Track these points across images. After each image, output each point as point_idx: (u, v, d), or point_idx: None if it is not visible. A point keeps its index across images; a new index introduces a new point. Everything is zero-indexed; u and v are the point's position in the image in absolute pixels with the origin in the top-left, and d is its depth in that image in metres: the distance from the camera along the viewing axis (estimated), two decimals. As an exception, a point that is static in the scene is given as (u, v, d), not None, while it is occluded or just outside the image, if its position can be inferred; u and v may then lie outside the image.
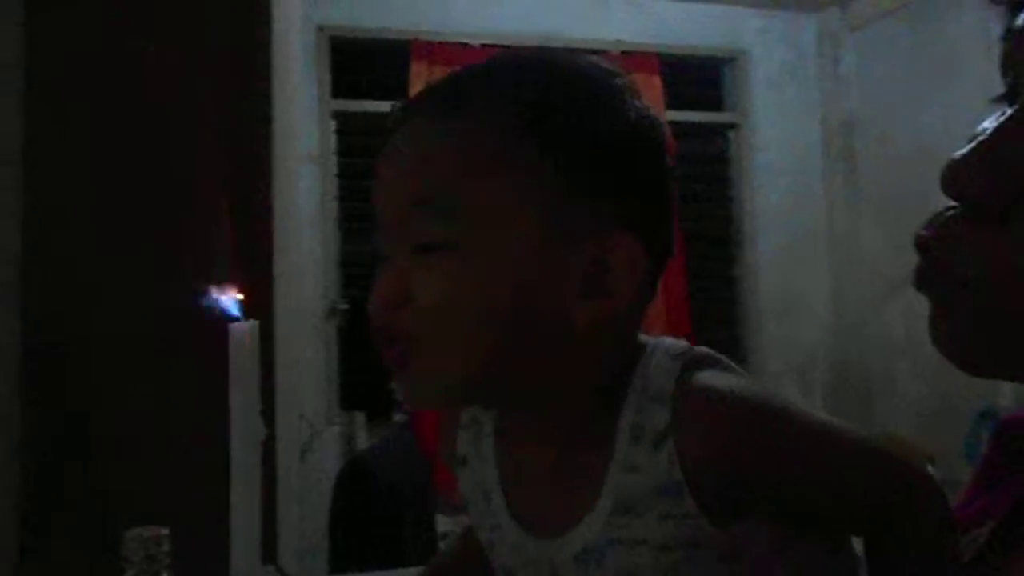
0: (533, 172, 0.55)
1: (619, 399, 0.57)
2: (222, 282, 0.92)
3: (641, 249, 0.56)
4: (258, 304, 1.60)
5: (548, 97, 0.57)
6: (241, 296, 0.72)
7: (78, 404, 1.31)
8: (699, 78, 4.07)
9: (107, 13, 1.30)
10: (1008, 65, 0.47)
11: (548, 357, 0.56)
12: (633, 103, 0.60)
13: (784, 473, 0.55)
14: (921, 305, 0.53)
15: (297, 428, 2.18)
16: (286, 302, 2.01)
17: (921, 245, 0.47)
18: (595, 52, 3.83)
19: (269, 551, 1.51)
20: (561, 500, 0.58)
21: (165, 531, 0.74)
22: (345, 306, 3.54)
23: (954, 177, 0.44)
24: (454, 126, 0.57)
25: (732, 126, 4.05)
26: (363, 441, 3.36)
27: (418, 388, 0.57)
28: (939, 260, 0.46)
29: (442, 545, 3.00)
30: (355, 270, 3.58)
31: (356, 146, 3.58)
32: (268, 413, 1.59)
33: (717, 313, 4.00)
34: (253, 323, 0.72)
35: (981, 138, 0.44)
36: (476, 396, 0.60)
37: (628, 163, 0.58)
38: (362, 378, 3.55)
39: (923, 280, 0.48)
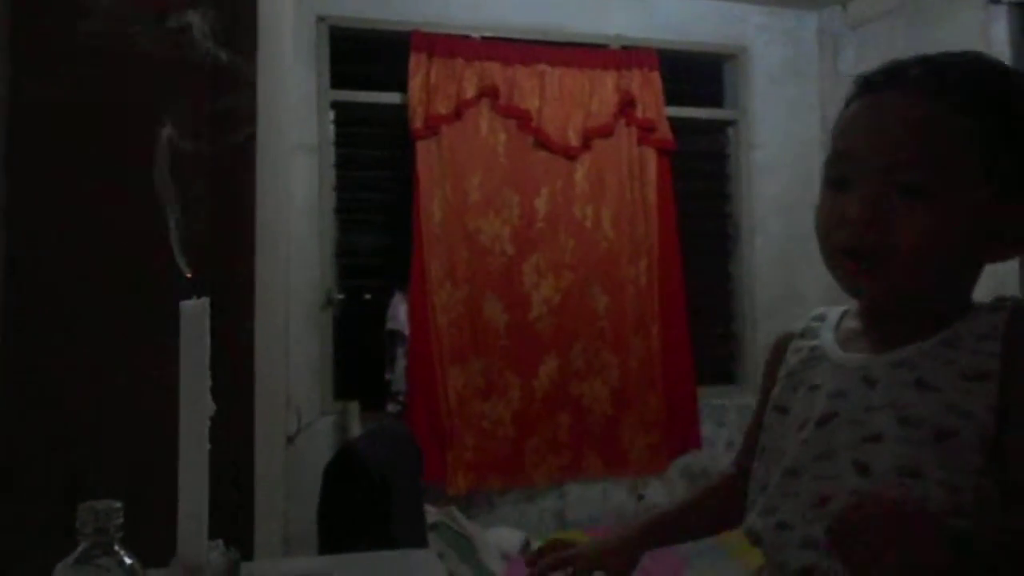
0: (993, 156, 0.79)
1: (966, 306, 0.84)
2: (199, 267, 0.92)
3: None
4: (239, 292, 1.62)
5: (1012, 102, 0.81)
6: (190, 275, 0.73)
7: (49, 385, 1.33)
8: (699, 74, 4.07)
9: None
10: None
11: (956, 280, 0.84)
12: None
13: None
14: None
15: (284, 415, 2.19)
16: (276, 291, 2.02)
17: None
18: (595, 47, 3.84)
19: (244, 532, 1.53)
20: (889, 341, 0.84)
21: (117, 504, 0.75)
22: (341, 296, 3.55)
23: None
24: (943, 107, 0.79)
25: (732, 123, 4.05)
26: (356, 430, 3.38)
27: (881, 287, 0.82)
28: None
29: (431, 535, 3.02)
30: (352, 260, 3.59)
31: (354, 136, 3.60)
32: (247, 399, 1.61)
33: (715, 308, 4.00)
34: (203, 300, 0.73)
35: None
36: (911, 296, 0.83)
37: None
38: (357, 368, 3.57)
39: None
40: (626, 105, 3.70)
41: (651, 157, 3.75)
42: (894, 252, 0.79)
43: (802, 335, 0.95)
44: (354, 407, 3.44)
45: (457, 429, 3.46)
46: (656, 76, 3.76)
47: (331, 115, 3.54)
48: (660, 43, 3.82)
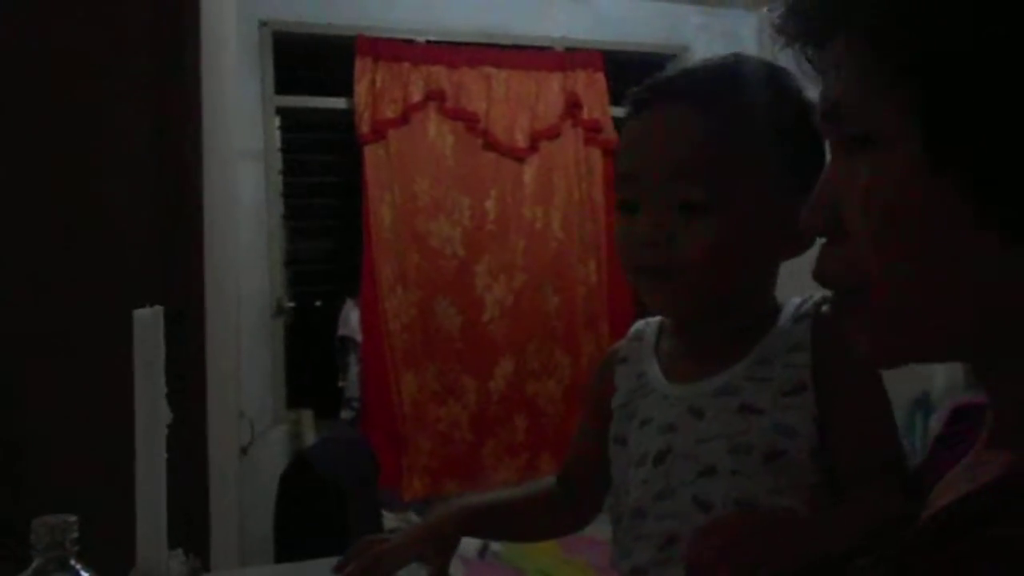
0: (765, 158, 0.81)
1: (773, 313, 0.85)
2: (146, 275, 0.91)
3: None
4: (189, 302, 1.59)
5: (778, 104, 0.81)
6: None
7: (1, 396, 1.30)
8: (643, 74, 4.10)
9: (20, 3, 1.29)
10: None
11: (754, 278, 0.86)
12: (808, 101, 0.81)
13: (851, 380, 0.78)
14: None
15: (237, 425, 2.17)
16: (226, 300, 2.00)
17: (816, 278, 0.57)
18: (540, 49, 3.84)
19: (200, 542, 1.51)
20: (707, 364, 0.84)
21: (72, 518, 0.73)
22: (291, 303, 3.52)
23: (804, 225, 0.57)
24: (713, 118, 0.81)
25: (676, 122, 4.10)
26: (311, 439, 3.35)
27: (675, 303, 0.85)
28: (833, 284, 0.56)
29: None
30: (301, 267, 3.56)
31: (300, 142, 3.57)
32: (199, 409, 1.59)
33: (663, 306, 4.05)
34: (157, 308, 0.72)
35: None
36: (708, 307, 0.84)
37: (818, 156, 0.78)
38: (310, 376, 3.54)
39: (836, 315, 0.59)
40: (572, 106, 3.73)
41: (597, 157, 3.78)
42: (683, 267, 0.81)
43: (624, 360, 0.94)
44: (307, 415, 3.40)
45: (412, 434, 3.44)
46: (601, 77, 3.79)
47: (276, 121, 3.49)
48: (603, 44, 3.85)
